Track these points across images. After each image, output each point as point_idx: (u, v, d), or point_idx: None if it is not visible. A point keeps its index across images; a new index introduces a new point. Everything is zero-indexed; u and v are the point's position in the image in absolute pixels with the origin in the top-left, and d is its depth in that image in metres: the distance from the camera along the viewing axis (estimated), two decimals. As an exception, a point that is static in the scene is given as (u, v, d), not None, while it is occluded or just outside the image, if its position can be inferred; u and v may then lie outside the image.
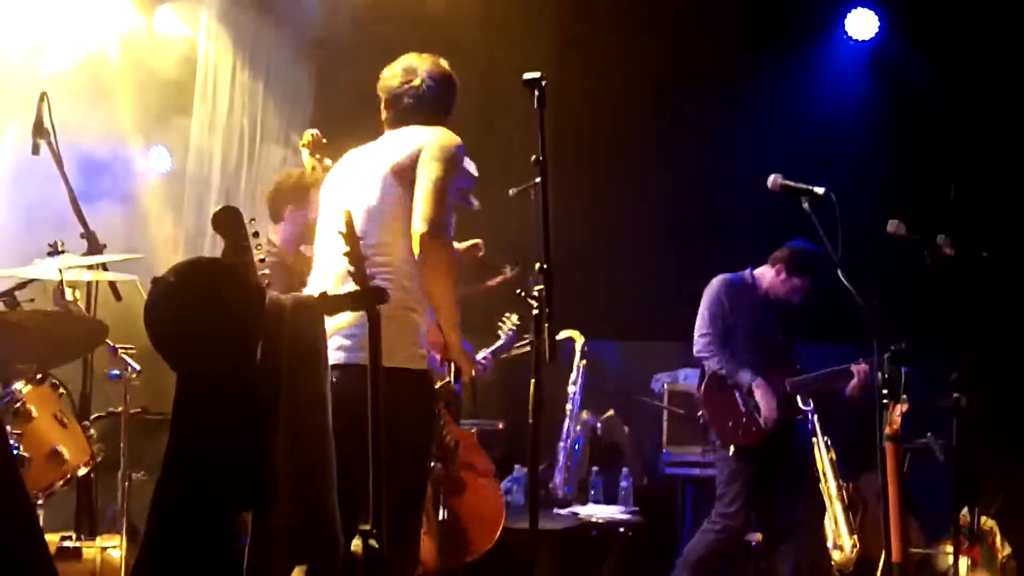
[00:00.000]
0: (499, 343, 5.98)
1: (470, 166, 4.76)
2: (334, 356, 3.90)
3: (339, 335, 3.96)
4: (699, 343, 6.38)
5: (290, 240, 5.54)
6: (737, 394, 6.26)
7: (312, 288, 4.16)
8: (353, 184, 4.19)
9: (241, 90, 7.75)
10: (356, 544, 3.32)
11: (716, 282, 6.47)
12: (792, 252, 6.46)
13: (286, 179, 5.67)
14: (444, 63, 4.39)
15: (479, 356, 5.52)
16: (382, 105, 4.37)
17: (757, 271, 6.54)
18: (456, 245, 4.41)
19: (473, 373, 4.45)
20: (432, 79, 4.30)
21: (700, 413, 6.52)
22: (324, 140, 4.66)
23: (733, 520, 6.11)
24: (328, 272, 4.12)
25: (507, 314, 5.96)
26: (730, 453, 6.19)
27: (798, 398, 6.37)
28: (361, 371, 3.67)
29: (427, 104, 4.29)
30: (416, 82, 4.29)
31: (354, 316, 3.90)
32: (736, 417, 6.20)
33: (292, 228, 5.55)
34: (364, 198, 4.10)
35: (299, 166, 4.59)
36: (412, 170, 4.05)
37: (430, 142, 4.10)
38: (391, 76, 4.35)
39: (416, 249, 3.96)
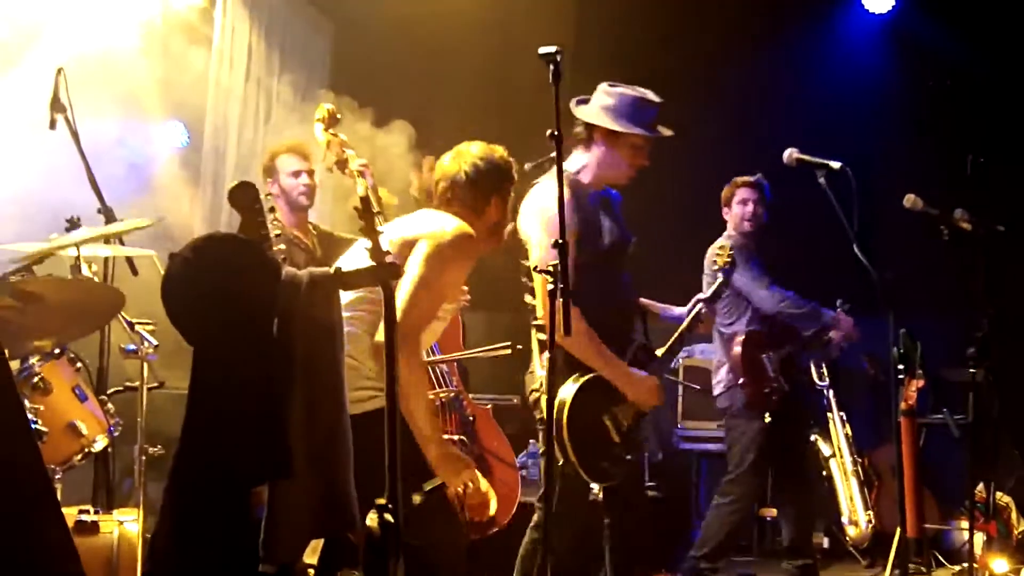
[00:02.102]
0: (720, 280, 5.28)
1: (647, 92, 4.69)
2: None
3: None
4: (772, 298, 6.28)
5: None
6: (766, 359, 6.23)
7: None
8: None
9: (257, 63, 7.76)
10: (372, 518, 3.33)
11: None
12: None
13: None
14: (498, 151, 4.29)
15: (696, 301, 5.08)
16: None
17: (729, 235, 6.48)
18: None
19: (461, 485, 4.04)
20: (475, 169, 4.21)
21: (721, 380, 6.47)
22: (339, 115, 4.66)
23: (748, 488, 6.12)
24: None
25: (719, 249, 5.52)
26: (766, 420, 6.16)
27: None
28: None
29: (463, 191, 4.19)
30: (463, 168, 4.21)
31: None
32: (769, 383, 6.18)
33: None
34: None
35: (314, 139, 4.59)
36: (403, 257, 3.96)
37: (429, 236, 4.01)
38: (441, 163, 4.29)
39: None
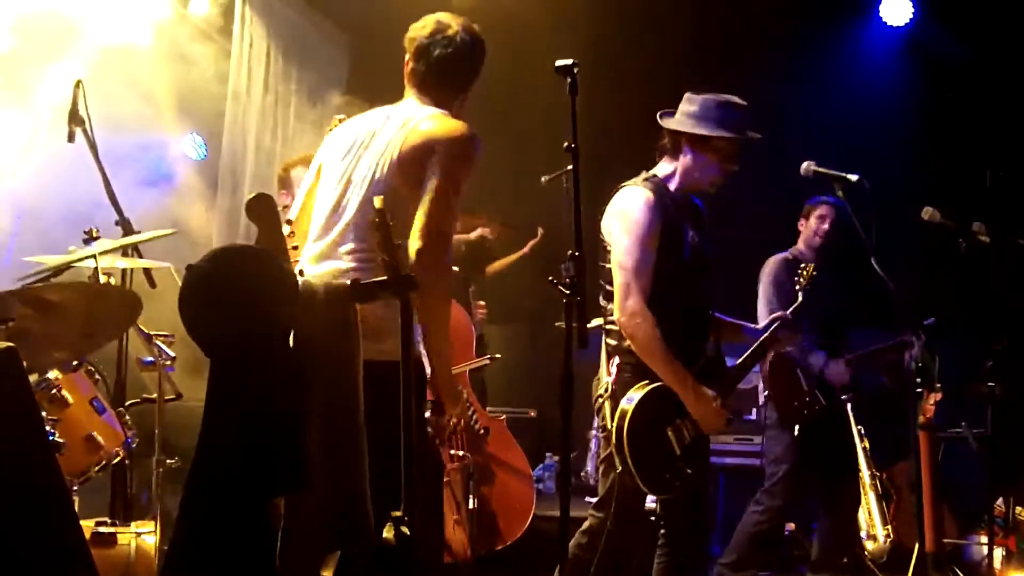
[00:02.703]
0: (799, 301, 5.15)
1: (731, 96, 4.64)
2: None
3: None
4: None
5: None
6: (799, 371, 6.22)
7: (302, 259, 3.99)
8: (360, 160, 3.96)
9: (274, 73, 7.78)
10: (388, 531, 3.32)
11: (774, 262, 6.39)
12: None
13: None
14: (477, 31, 4.11)
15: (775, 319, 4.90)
16: (408, 58, 4.11)
17: (797, 247, 6.47)
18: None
19: (454, 417, 3.99)
20: (467, 33, 4.05)
21: (764, 392, 6.49)
22: None
23: (780, 500, 6.11)
24: (317, 244, 3.98)
25: (803, 265, 5.30)
26: (796, 433, 6.15)
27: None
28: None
29: (459, 58, 4.03)
30: (450, 32, 4.03)
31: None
32: (800, 396, 6.18)
33: None
34: (366, 184, 3.89)
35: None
36: (419, 164, 3.81)
37: (445, 139, 3.85)
38: (421, 27, 4.09)
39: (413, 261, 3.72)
